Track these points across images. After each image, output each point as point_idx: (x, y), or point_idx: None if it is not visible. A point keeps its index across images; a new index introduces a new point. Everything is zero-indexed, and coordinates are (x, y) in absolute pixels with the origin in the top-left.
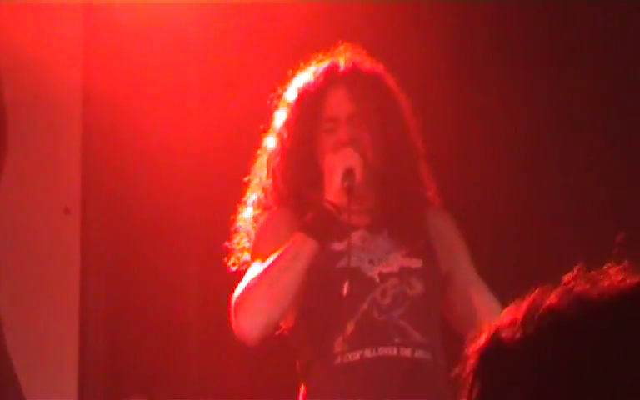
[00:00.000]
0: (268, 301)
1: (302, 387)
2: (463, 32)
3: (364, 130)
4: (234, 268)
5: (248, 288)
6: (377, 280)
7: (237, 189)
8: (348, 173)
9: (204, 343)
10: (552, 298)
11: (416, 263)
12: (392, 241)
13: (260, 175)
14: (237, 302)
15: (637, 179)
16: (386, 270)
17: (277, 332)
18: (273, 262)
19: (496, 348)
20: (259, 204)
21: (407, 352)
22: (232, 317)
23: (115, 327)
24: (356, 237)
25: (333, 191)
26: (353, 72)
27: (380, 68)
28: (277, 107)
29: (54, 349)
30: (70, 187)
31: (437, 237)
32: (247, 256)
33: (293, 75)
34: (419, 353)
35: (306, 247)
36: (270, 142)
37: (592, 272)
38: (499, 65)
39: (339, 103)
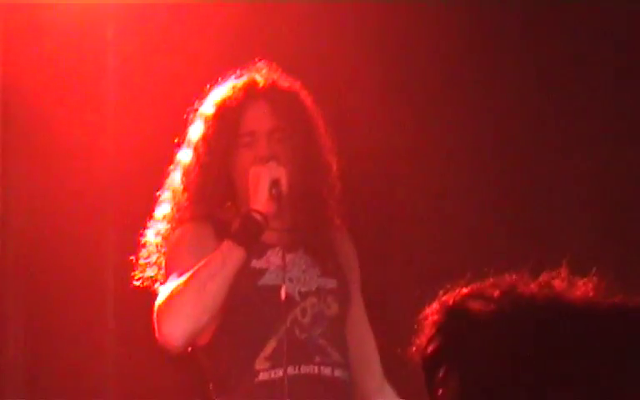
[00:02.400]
0: (195, 307)
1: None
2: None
3: (283, 146)
4: (137, 283)
5: (173, 294)
6: (297, 298)
7: (150, 201)
8: (275, 183)
9: (122, 347)
10: (533, 287)
11: (331, 283)
12: (307, 260)
13: (173, 189)
14: (160, 309)
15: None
16: (304, 289)
17: (189, 349)
18: (200, 269)
19: (465, 313)
20: (172, 219)
21: (327, 371)
22: (155, 324)
23: (33, 331)
24: (274, 254)
25: (260, 201)
26: (273, 88)
27: (297, 86)
28: (192, 122)
29: None
30: None
31: (344, 260)
32: (150, 272)
33: (210, 89)
34: (338, 372)
35: (233, 254)
36: (184, 156)
37: (571, 278)
38: (489, 65)
39: (258, 118)
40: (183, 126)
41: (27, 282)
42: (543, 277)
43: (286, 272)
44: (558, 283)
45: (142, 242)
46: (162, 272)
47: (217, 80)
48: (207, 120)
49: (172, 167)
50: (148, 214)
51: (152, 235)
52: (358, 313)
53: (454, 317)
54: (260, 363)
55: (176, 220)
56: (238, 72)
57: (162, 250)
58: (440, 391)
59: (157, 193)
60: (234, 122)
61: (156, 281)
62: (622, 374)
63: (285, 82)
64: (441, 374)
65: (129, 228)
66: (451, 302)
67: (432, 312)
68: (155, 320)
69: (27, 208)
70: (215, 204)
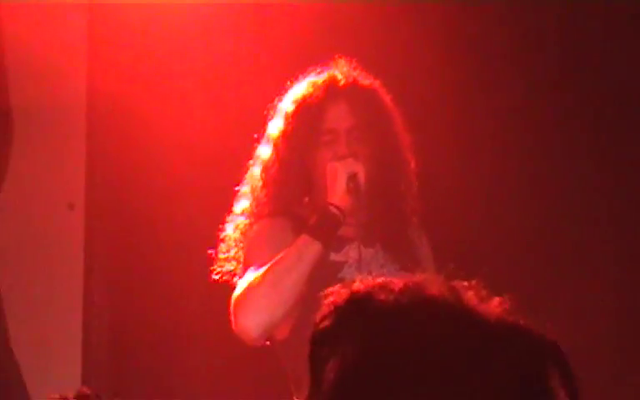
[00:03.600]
0: (271, 300)
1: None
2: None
3: (362, 144)
4: (216, 277)
5: (251, 287)
6: None
7: (229, 196)
8: (352, 177)
9: (205, 340)
10: (435, 288)
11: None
12: (385, 255)
13: (252, 184)
14: (237, 301)
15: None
16: None
17: (267, 342)
18: (277, 262)
19: (364, 300)
20: (250, 214)
21: None
22: (232, 317)
23: (118, 321)
24: (352, 249)
25: (338, 195)
26: (353, 86)
27: (377, 84)
28: (271, 118)
29: (57, 344)
30: (74, 183)
31: (421, 257)
32: (229, 266)
33: (290, 86)
34: None
35: (311, 249)
36: (264, 152)
37: (483, 292)
38: (499, 67)
39: (339, 116)
40: (263, 122)
41: (112, 273)
42: (457, 284)
43: (364, 266)
44: (467, 294)
45: (222, 236)
46: (241, 266)
47: (298, 76)
48: (287, 117)
49: (251, 162)
50: (228, 209)
51: (231, 229)
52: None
53: (353, 302)
54: None
55: (254, 215)
56: (318, 69)
57: (241, 245)
58: (319, 369)
59: (237, 188)
60: (315, 120)
61: (234, 275)
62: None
63: (365, 80)
64: (324, 352)
65: (210, 224)
66: (358, 288)
67: (337, 294)
68: (232, 312)
69: (113, 201)
70: (293, 200)
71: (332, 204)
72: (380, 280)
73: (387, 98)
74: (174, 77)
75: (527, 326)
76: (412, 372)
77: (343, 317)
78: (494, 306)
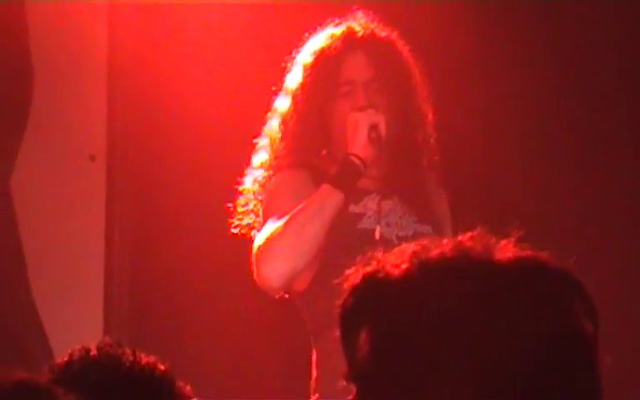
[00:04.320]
0: (294, 248)
1: (315, 353)
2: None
3: (380, 96)
4: (236, 230)
5: (273, 237)
6: (396, 242)
7: (248, 150)
8: (374, 128)
9: (226, 294)
10: (444, 247)
11: (427, 230)
12: (403, 207)
13: (270, 137)
14: (260, 250)
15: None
16: (402, 233)
17: (287, 296)
18: (299, 212)
19: (377, 276)
20: (270, 166)
21: None
22: (254, 266)
23: (139, 272)
24: (370, 200)
25: (359, 145)
26: (371, 37)
27: (395, 35)
28: (289, 70)
29: (79, 296)
30: (96, 135)
31: (438, 208)
32: (248, 219)
33: (308, 38)
34: None
35: (332, 198)
36: (282, 104)
37: (490, 239)
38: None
39: (357, 68)
40: (281, 75)
41: (134, 225)
42: (462, 238)
43: (383, 217)
44: (470, 243)
45: (240, 189)
46: (260, 219)
47: (315, 28)
48: (305, 69)
49: (269, 114)
50: (247, 162)
51: (250, 182)
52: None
53: (367, 280)
54: None
55: (273, 167)
56: (336, 20)
57: (260, 197)
58: (353, 346)
59: (254, 141)
60: (333, 72)
61: (253, 228)
62: (515, 331)
63: (382, 31)
64: (354, 332)
65: (231, 177)
66: (370, 268)
67: (353, 276)
68: (254, 262)
69: (135, 153)
70: (312, 152)
71: (353, 154)
72: (392, 253)
73: (405, 50)
74: (193, 32)
75: (542, 259)
76: (437, 332)
77: (362, 296)
78: (504, 248)
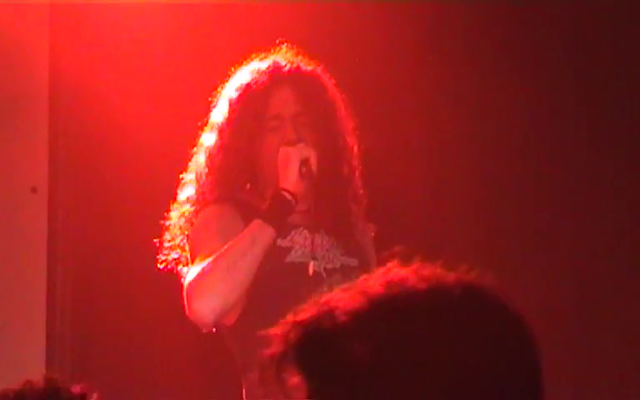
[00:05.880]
0: (225, 284)
1: (244, 387)
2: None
3: (308, 130)
4: (161, 266)
5: (204, 272)
6: (324, 276)
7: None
8: (305, 162)
9: (166, 325)
10: (377, 287)
11: (353, 262)
12: (329, 240)
13: (196, 172)
14: (191, 286)
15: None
16: (329, 266)
17: (214, 330)
18: (230, 247)
19: (318, 327)
20: (195, 201)
21: None
22: (186, 302)
23: (81, 305)
24: (297, 234)
25: (290, 180)
26: (297, 72)
27: (320, 69)
28: (215, 105)
29: (21, 328)
30: (37, 167)
31: (363, 241)
32: (174, 254)
33: (233, 73)
34: None
35: (264, 233)
36: (208, 139)
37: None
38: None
39: (284, 102)
40: (206, 110)
41: (76, 256)
42: (394, 276)
43: (311, 250)
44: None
45: (166, 225)
46: (186, 254)
47: (241, 63)
48: (231, 103)
49: (195, 149)
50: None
51: (176, 217)
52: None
53: (303, 329)
54: None
55: (200, 202)
56: (261, 55)
57: (186, 232)
58: (287, 391)
59: (180, 176)
60: (260, 107)
61: (179, 263)
62: (464, 374)
63: (307, 65)
64: (287, 377)
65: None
66: (304, 316)
67: (284, 323)
68: (185, 297)
69: (76, 184)
70: (238, 186)
71: (284, 189)
72: (323, 299)
73: (330, 83)
74: (137, 61)
75: (482, 291)
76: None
77: (297, 347)
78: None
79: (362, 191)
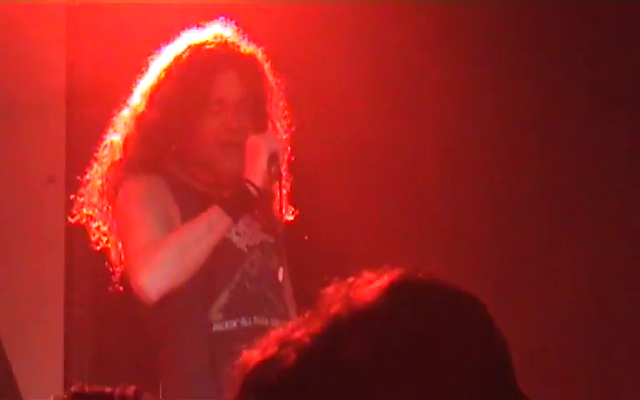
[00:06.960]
0: (176, 267)
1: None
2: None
3: (248, 116)
4: (73, 220)
5: (157, 250)
6: (246, 251)
7: None
8: (275, 160)
9: None
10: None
11: (270, 239)
12: (248, 216)
13: (123, 135)
14: (142, 259)
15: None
16: (250, 243)
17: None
18: (185, 230)
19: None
20: (119, 163)
21: (275, 322)
22: (131, 272)
23: (100, 294)
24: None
25: (257, 174)
26: (241, 56)
27: (259, 52)
28: (150, 72)
29: (39, 319)
30: (55, 156)
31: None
32: (89, 210)
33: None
34: (284, 324)
35: (221, 222)
36: (138, 104)
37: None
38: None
39: (228, 87)
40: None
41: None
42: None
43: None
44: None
45: (84, 180)
46: (109, 217)
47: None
48: (170, 76)
49: (125, 112)
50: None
51: (97, 177)
52: (284, 271)
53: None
54: (214, 315)
55: (124, 166)
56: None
57: (111, 196)
58: None
59: (105, 135)
60: (203, 88)
61: (92, 220)
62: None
63: (248, 47)
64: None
65: None
66: (265, 355)
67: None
68: (131, 267)
69: None
70: (164, 158)
71: (249, 181)
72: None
73: (266, 67)
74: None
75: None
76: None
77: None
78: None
79: (286, 173)
